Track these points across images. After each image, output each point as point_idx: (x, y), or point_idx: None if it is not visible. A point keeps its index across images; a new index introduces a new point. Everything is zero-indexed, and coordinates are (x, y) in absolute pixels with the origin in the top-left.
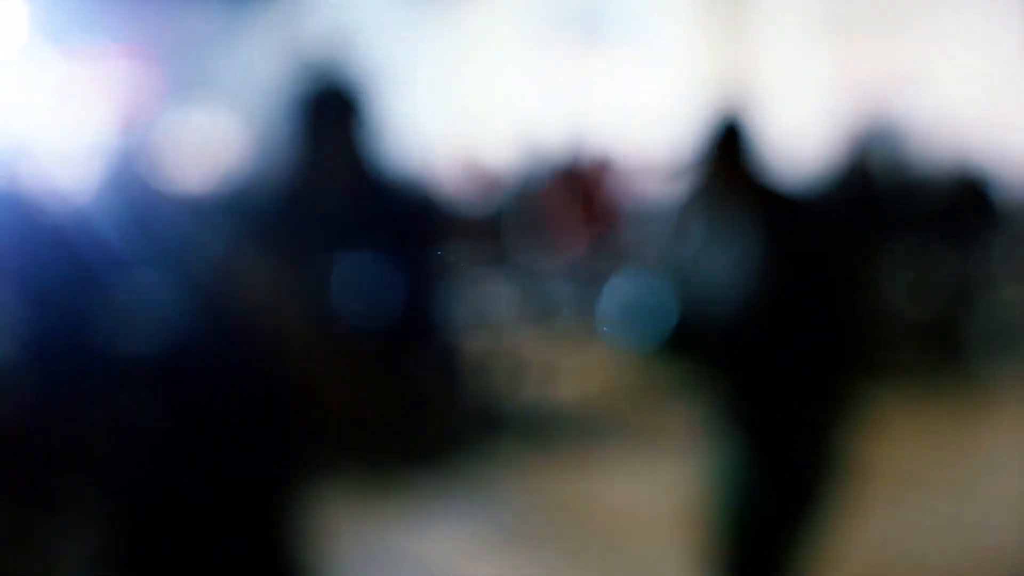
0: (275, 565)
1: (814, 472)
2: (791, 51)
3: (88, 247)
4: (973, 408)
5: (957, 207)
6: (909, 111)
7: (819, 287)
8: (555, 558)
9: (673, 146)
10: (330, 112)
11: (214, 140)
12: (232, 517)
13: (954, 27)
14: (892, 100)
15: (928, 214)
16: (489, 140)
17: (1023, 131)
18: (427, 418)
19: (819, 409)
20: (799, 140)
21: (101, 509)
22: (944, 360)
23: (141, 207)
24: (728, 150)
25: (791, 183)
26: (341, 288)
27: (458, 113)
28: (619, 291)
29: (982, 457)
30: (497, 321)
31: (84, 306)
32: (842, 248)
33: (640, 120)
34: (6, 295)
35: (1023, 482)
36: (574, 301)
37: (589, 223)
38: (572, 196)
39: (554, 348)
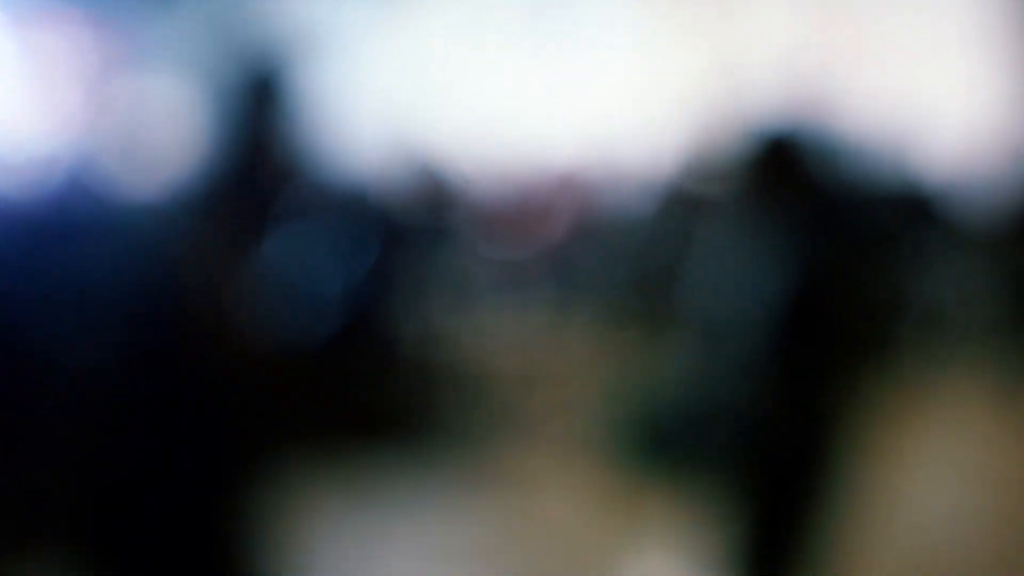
0: (233, 553)
1: (823, 467)
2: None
3: (35, 229)
4: (911, 410)
5: (897, 213)
6: (848, 115)
7: (843, 290)
8: (522, 550)
9: (643, 152)
10: (256, 99)
11: (162, 113)
12: (189, 507)
13: (896, 27)
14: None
15: (868, 220)
16: (450, 141)
17: (964, 132)
18: (391, 406)
19: (828, 405)
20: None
21: (60, 504)
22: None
23: (87, 197)
24: (776, 158)
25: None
26: (278, 274)
27: (417, 112)
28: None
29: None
30: (454, 324)
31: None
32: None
33: (609, 124)
34: None
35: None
36: (540, 293)
37: (553, 229)
38: (538, 202)
39: (516, 351)
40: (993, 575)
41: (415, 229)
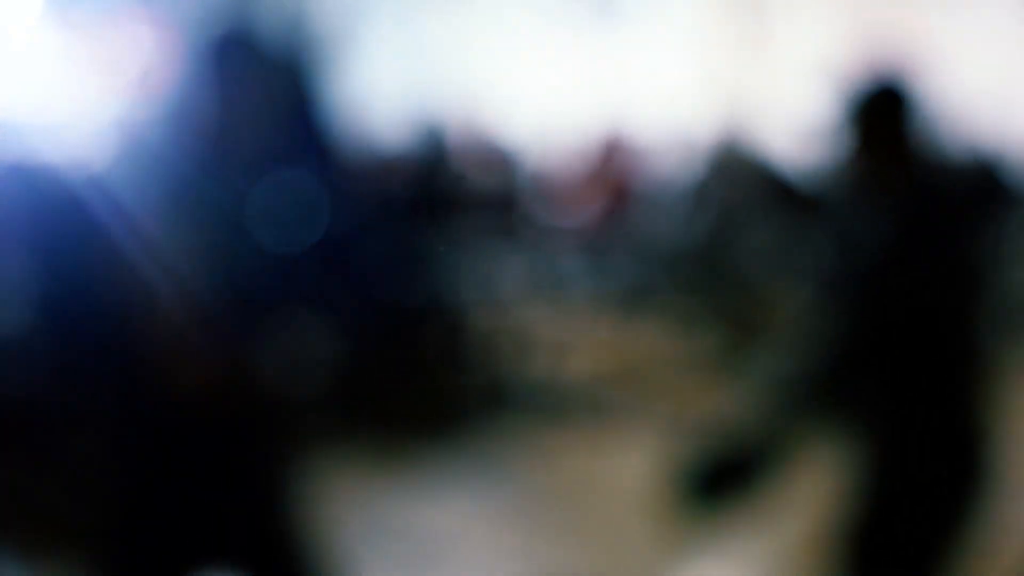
0: (279, 536)
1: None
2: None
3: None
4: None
5: (971, 189)
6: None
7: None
8: (560, 534)
9: (688, 125)
10: (240, 59)
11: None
12: (234, 491)
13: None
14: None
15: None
16: (504, 115)
17: None
18: (434, 392)
19: (960, 404)
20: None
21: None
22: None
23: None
24: (884, 118)
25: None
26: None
27: (470, 88)
28: None
29: None
30: (505, 295)
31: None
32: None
33: (657, 98)
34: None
35: None
36: (585, 276)
37: (602, 200)
38: (586, 173)
39: (564, 322)
40: None
41: (469, 200)
